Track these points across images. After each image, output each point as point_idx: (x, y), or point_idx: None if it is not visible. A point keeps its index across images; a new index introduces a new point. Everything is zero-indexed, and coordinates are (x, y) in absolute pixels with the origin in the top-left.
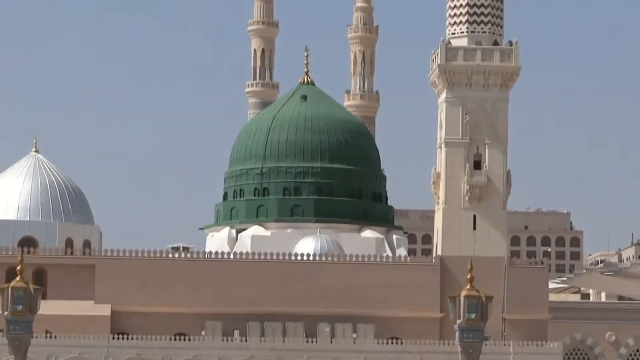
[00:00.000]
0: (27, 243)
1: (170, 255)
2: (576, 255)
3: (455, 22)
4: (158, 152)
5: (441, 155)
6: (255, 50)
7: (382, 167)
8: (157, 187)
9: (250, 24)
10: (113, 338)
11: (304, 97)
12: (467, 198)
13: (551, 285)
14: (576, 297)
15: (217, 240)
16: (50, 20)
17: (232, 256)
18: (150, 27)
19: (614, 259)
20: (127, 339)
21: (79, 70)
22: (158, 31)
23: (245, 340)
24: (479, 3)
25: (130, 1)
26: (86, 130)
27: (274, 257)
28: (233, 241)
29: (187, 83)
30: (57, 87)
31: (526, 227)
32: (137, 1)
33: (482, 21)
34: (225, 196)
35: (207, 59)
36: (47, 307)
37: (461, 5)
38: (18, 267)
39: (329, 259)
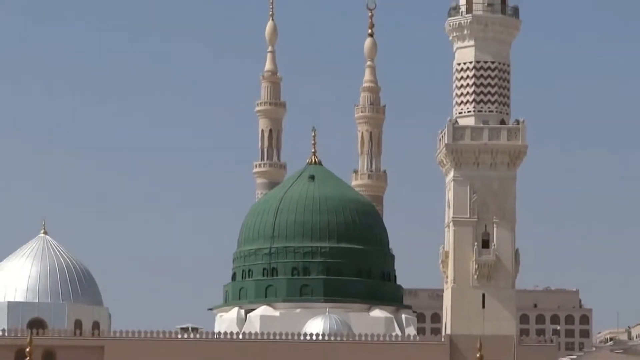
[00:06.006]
0: (36, 325)
1: (179, 336)
2: (585, 333)
3: (462, 102)
4: (166, 232)
5: (449, 234)
6: (262, 130)
7: (390, 247)
8: (165, 267)
9: (258, 105)
10: None
11: (312, 177)
12: (475, 277)
13: None
14: None
15: (226, 321)
16: (61, 100)
17: (241, 337)
18: (156, 111)
19: (624, 337)
20: None
21: (87, 152)
22: (163, 114)
23: None
24: (485, 82)
25: (134, 85)
26: (94, 211)
27: (283, 337)
28: (242, 321)
29: (195, 163)
30: (66, 168)
31: (535, 305)
32: (142, 85)
33: (488, 100)
34: (234, 276)
35: (214, 140)
36: None
37: (468, 84)
38: (27, 349)
39: (338, 338)
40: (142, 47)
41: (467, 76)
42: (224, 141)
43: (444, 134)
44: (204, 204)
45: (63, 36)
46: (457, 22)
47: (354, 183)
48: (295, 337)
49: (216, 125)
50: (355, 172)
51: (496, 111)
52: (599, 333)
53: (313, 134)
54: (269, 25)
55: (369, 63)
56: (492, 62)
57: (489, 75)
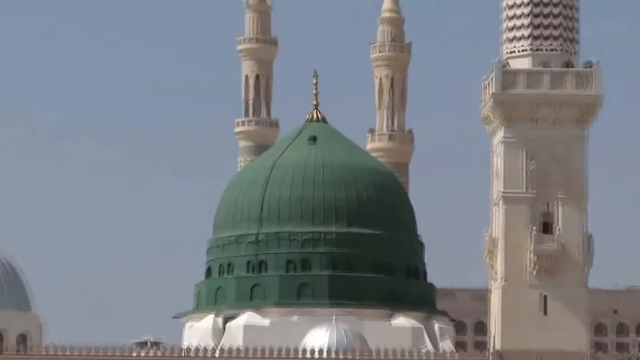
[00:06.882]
0: None
1: (135, 354)
2: None
3: (514, 37)
4: (117, 216)
5: (498, 215)
6: (247, 76)
7: (418, 232)
8: (116, 262)
9: (241, 42)
10: None
11: (313, 139)
12: (534, 272)
13: None
14: None
15: (197, 332)
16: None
17: (217, 353)
18: (99, 52)
19: None
20: None
21: (18, 119)
22: (110, 55)
23: None
24: (545, 11)
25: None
26: (23, 192)
27: (275, 353)
28: (220, 333)
29: (156, 122)
30: None
31: (615, 311)
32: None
33: (550, 35)
34: (208, 272)
35: (181, 90)
36: None
37: (522, 14)
38: None
39: (349, 356)
40: None
41: (522, 2)
42: (195, 91)
43: (491, 80)
44: (168, 176)
45: None
46: None
47: (369, 146)
48: (292, 354)
49: (184, 70)
50: (372, 131)
51: (560, 49)
52: None
53: (314, 81)
54: None
55: None
56: None
57: (550, 1)
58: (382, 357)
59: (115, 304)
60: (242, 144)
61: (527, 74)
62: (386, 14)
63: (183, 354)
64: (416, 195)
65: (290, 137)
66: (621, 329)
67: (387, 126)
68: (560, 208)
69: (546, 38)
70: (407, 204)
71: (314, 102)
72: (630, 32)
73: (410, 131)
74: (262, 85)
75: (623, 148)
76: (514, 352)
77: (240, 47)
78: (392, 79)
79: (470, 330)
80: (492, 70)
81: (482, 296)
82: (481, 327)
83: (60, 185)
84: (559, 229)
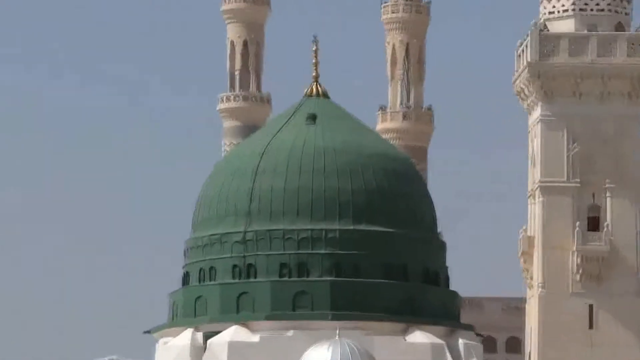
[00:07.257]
0: None
1: None
2: None
3: None
4: (78, 212)
5: (535, 209)
6: (233, 42)
7: (439, 230)
8: (77, 269)
9: (225, 2)
10: None
11: (313, 118)
12: (578, 277)
13: None
14: None
15: (173, 350)
16: None
17: None
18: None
19: None
20: None
21: None
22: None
23: None
24: None
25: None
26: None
27: None
28: (199, 351)
29: (122, 98)
30: None
31: None
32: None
33: None
34: (186, 278)
35: (153, 60)
36: None
37: None
38: None
39: None
40: None
41: None
42: (171, 61)
43: (526, 46)
44: (137, 163)
45: None
46: None
47: (380, 127)
48: None
49: (157, 36)
50: (383, 109)
51: (609, 9)
52: None
53: (314, 48)
54: None
55: None
56: None
57: None
58: None
59: (76, 317)
60: (227, 123)
61: (569, 39)
62: None
63: None
64: (436, 186)
65: (284, 116)
66: None
67: (402, 102)
68: (609, 200)
69: None
70: (425, 196)
71: (314, 74)
72: None
73: (429, 108)
74: (251, 53)
75: None
76: None
77: (224, 7)
78: (407, 45)
79: (502, 347)
80: (528, 35)
81: (516, 307)
82: (515, 344)
83: (14, 181)
84: (609, 226)
